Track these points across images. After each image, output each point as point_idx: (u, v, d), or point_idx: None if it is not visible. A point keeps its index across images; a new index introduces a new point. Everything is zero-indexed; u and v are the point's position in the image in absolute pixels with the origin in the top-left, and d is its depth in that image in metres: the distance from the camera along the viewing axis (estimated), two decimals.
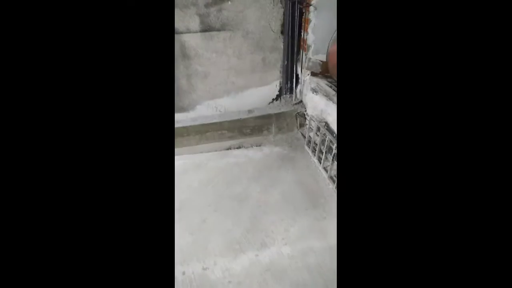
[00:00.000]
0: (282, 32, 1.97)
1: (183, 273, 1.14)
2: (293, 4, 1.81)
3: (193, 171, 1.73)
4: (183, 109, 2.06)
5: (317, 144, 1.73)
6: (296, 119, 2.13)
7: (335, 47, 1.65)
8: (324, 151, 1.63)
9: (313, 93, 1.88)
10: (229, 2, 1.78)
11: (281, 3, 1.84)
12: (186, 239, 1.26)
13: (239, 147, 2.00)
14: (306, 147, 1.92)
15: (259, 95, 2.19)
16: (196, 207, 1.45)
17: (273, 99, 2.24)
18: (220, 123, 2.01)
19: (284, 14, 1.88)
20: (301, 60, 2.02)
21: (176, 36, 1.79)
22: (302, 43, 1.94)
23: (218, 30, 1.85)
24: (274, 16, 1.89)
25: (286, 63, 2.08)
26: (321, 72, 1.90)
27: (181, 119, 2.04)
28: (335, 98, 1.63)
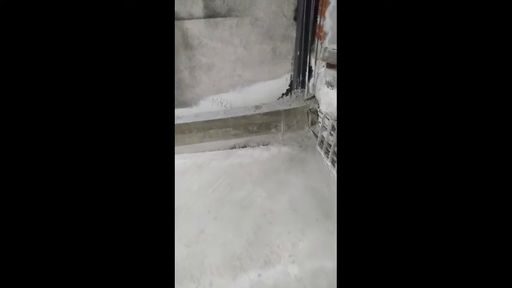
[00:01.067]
0: (295, 19, 1.76)
1: None
2: None
3: (194, 172, 1.59)
4: (185, 104, 1.92)
5: (330, 145, 1.54)
6: (308, 116, 1.94)
7: None
8: None
9: (328, 87, 1.68)
10: None
11: None
12: (180, 252, 1.13)
13: (244, 146, 1.84)
14: (318, 148, 1.73)
15: (268, 89, 2.01)
16: (194, 214, 1.31)
17: (282, 94, 2.05)
18: (225, 119, 1.85)
19: None
20: (315, 50, 1.80)
21: (177, 22, 1.63)
22: (317, 30, 1.73)
23: (224, 16, 1.67)
24: (287, 0, 1.68)
25: (298, 53, 1.87)
26: None
27: (182, 114, 1.90)
28: None
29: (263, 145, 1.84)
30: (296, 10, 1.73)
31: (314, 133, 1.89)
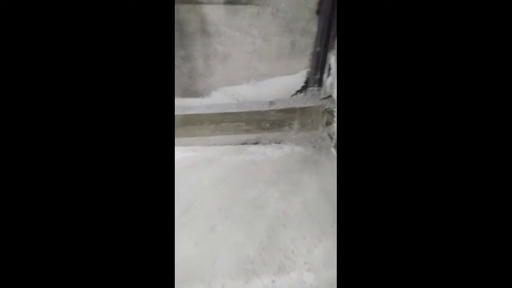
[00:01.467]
0: (317, 12, 1.67)
1: None
2: None
3: (205, 166, 1.52)
4: (197, 94, 1.84)
5: None
6: (323, 116, 1.87)
7: None
8: None
9: None
10: None
11: None
12: (190, 251, 1.08)
13: (256, 143, 1.77)
14: (333, 150, 1.67)
15: (283, 85, 1.93)
16: (205, 211, 1.25)
17: (297, 91, 1.97)
18: (238, 113, 1.78)
19: None
20: (336, 47, 1.72)
21: (195, 7, 1.53)
22: None
23: (245, 3, 1.58)
24: None
25: (318, 49, 1.79)
26: None
27: (194, 105, 1.82)
28: None
29: (275, 142, 1.78)
30: (320, 3, 1.64)
31: (328, 134, 1.82)
